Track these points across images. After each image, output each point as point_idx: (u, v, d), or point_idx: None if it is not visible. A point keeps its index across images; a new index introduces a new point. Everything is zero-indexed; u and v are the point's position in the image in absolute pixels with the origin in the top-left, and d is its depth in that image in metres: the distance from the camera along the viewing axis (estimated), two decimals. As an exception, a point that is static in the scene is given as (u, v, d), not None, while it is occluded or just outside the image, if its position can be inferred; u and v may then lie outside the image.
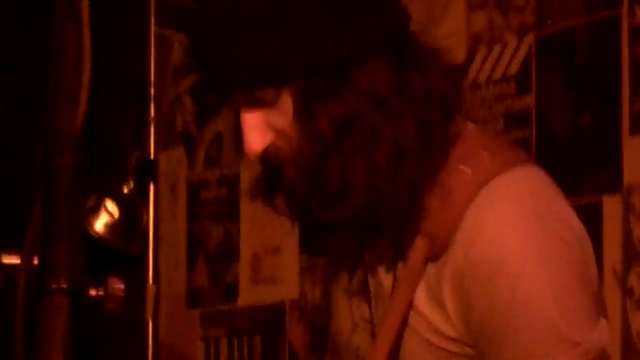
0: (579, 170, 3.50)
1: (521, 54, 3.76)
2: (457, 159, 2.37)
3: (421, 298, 2.36)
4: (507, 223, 2.34)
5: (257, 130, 2.34)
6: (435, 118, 2.38)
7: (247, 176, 4.46)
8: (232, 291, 4.61)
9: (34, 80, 1.89)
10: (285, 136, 2.32)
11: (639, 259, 3.45)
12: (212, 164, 4.70)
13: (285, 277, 4.43)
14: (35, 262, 1.70)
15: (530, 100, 3.75)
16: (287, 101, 2.31)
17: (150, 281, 4.66)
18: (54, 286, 1.64)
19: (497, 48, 3.84)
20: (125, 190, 2.61)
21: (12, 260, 1.79)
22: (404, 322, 2.37)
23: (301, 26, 2.35)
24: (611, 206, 3.52)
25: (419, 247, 2.36)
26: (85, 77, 1.69)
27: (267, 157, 2.32)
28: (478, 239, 2.31)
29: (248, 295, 4.55)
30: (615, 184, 3.52)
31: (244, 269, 4.58)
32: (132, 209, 2.62)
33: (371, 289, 2.48)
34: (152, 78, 4.73)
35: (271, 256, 4.47)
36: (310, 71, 2.32)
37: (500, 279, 2.30)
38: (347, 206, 2.29)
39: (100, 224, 2.53)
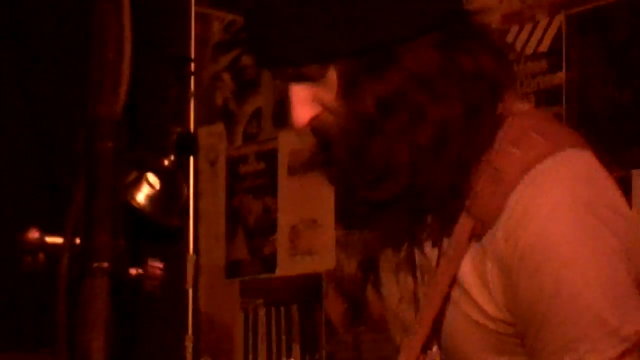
0: (611, 145, 3.47)
1: (552, 32, 3.77)
2: (506, 140, 2.35)
3: (465, 274, 2.36)
4: (556, 210, 2.31)
5: (304, 103, 2.35)
6: (484, 100, 2.36)
7: (285, 151, 4.48)
8: (270, 263, 4.61)
9: (76, 65, 1.89)
10: (331, 111, 2.33)
11: None
12: (250, 139, 4.70)
13: (322, 249, 4.42)
14: (78, 242, 1.72)
15: (561, 77, 3.73)
16: (332, 77, 2.32)
17: (191, 251, 4.69)
18: (95, 267, 1.66)
19: (528, 27, 3.82)
20: (166, 164, 2.63)
21: (55, 240, 1.76)
22: (447, 296, 2.37)
23: (348, 4, 2.32)
24: None
25: (465, 225, 2.36)
26: (126, 64, 1.71)
27: (314, 130, 2.36)
28: (526, 226, 2.29)
29: (286, 267, 4.55)
30: None
31: (282, 242, 4.57)
32: (172, 183, 2.64)
33: (417, 263, 2.49)
34: (193, 55, 4.78)
35: (308, 229, 4.47)
36: (355, 49, 2.30)
37: (549, 269, 2.29)
38: (390, 187, 2.30)
39: (141, 195, 2.55)
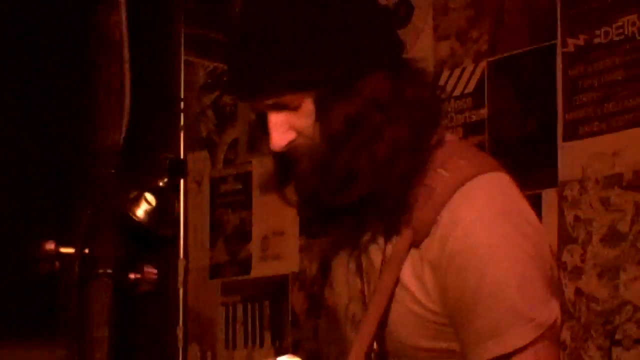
0: (523, 169, 3.47)
1: (476, 75, 3.77)
2: (438, 162, 2.35)
3: (406, 275, 2.36)
4: (478, 221, 2.32)
5: (282, 130, 2.33)
6: (425, 125, 2.38)
7: (257, 173, 4.55)
8: (245, 266, 4.63)
9: (79, 100, 1.91)
10: (304, 135, 2.32)
11: (570, 240, 3.45)
12: (229, 163, 4.74)
13: (288, 255, 4.45)
14: (86, 252, 1.74)
15: (484, 112, 3.75)
16: (308, 105, 2.31)
17: (181, 256, 4.71)
18: (100, 272, 1.69)
19: (457, 71, 3.83)
20: (161, 184, 2.64)
21: (68, 250, 1.77)
22: (392, 294, 2.37)
23: (321, 45, 2.33)
24: (549, 198, 3.52)
25: (405, 235, 2.35)
26: (126, 104, 1.73)
27: (288, 151, 2.34)
28: (454, 233, 2.30)
29: (258, 269, 4.58)
30: (552, 180, 3.52)
31: (255, 248, 4.60)
32: (166, 200, 2.65)
33: (364, 266, 2.47)
34: (182, 95, 4.79)
35: (277, 238, 4.49)
36: (328, 81, 2.31)
37: (471, 268, 2.29)
38: (353, 193, 2.30)
39: (140, 211, 2.55)
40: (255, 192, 4.59)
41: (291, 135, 2.34)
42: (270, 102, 2.32)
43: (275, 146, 2.33)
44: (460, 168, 2.34)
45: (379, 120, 2.32)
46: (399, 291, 2.36)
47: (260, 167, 4.52)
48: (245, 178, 4.64)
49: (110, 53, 1.79)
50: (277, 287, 4.48)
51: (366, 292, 2.47)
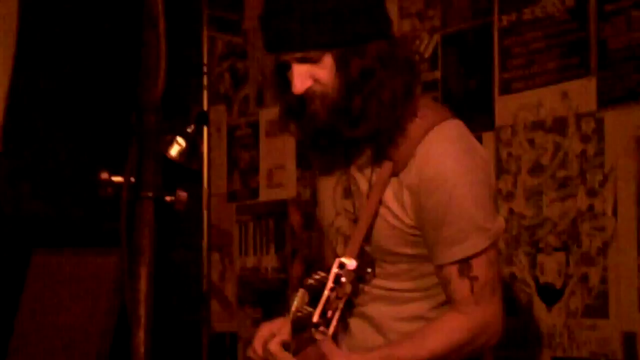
0: (468, 117, 3.42)
1: (431, 45, 3.75)
2: (412, 112, 2.40)
3: (388, 198, 2.40)
4: (445, 155, 2.38)
5: (304, 77, 2.35)
6: (412, 79, 2.45)
7: (263, 121, 4.56)
8: (255, 192, 4.63)
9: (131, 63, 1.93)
10: (321, 83, 2.35)
11: (504, 171, 3.48)
12: (242, 114, 4.72)
13: (287, 183, 4.45)
14: (133, 180, 1.74)
15: (437, 74, 3.73)
16: (328, 60, 2.34)
17: (205, 185, 4.76)
18: (144, 195, 1.70)
19: (417, 42, 3.79)
20: (189, 131, 2.66)
21: (119, 179, 1.76)
22: (376, 212, 2.40)
23: (342, 15, 2.35)
24: (487, 139, 3.51)
25: (386, 167, 2.40)
26: (163, 68, 1.75)
27: (306, 94, 2.36)
28: (428, 164, 2.36)
29: (265, 195, 4.58)
30: (490, 125, 3.53)
31: (262, 179, 4.60)
32: (193, 142, 2.67)
33: (352, 191, 2.50)
34: (205, 62, 4.83)
35: (278, 171, 4.50)
36: (347, 42, 2.34)
37: (441, 190, 2.35)
38: (366, 127, 2.35)
39: (174, 151, 2.58)
40: (262, 136, 4.59)
41: (309, 82, 2.35)
42: (298, 55, 2.35)
43: (297, 90, 2.36)
44: (429, 116, 2.41)
45: (383, 74, 2.36)
46: (382, 209, 2.41)
47: (265, 117, 4.53)
48: (254, 125, 4.63)
49: (151, 27, 1.78)
50: (279, 208, 4.49)
51: (354, 211, 2.50)
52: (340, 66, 2.35)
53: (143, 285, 1.69)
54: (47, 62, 4.81)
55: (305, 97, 2.37)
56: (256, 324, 4.15)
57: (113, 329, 3.93)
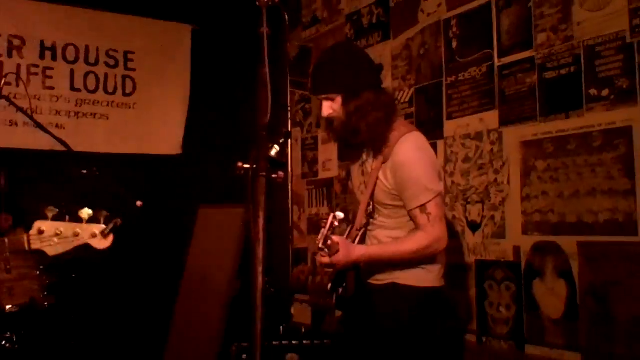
0: (430, 132, 3.39)
1: (409, 94, 3.70)
2: (392, 128, 2.37)
3: (381, 174, 2.37)
4: (407, 150, 2.33)
5: (327, 108, 2.34)
6: (389, 112, 2.38)
7: (320, 136, 4.47)
8: (316, 173, 4.51)
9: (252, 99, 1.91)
10: (336, 112, 2.32)
11: (449, 161, 3.39)
12: (308, 132, 4.62)
13: (333, 168, 4.38)
14: (254, 166, 1.72)
15: (413, 109, 3.65)
16: (339, 100, 2.31)
17: (290, 170, 4.61)
18: (260, 174, 1.72)
19: (402, 93, 3.74)
20: (281, 141, 2.65)
21: (246, 165, 1.73)
22: (375, 182, 2.38)
23: (348, 75, 2.33)
24: (440, 144, 3.44)
25: (379, 159, 2.37)
26: (269, 107, 1.77)
27: (328, 118, 2.35)
28: (398, 156, 2.32)
29: (321, 174, 4.47)
30: (441, 136, 3.45)
31: (319, 166, 4.48)
32: (283, 148, 2.67)
33: (364, 171, 2.47)
34: (289, 104, 4.71)
35: (329, 161, 4.42)
36: (349, 91, 2.30)
37: (405, 169, 2.31)
38: (360, 137, 2.33)
39: (273, 152, 2.54)
40: (319, 144, 4.51)
41: (330, 111, 2.35)
42: (323, 96, 2.36)
43: (323, 115, 2.36)
44: (402, 129, 2.38)
45: (370, 108, 2.31)
46: (378, 181, 2.39)
47: (320, 133, 4.46)
48: (315, 138, 4.55)
49: (263, 86, 1.79)
50: (328, 182, 4.41)
51: (365, 182, 2.48)
52: (345, 103, 2.33)
53: (261, 226, 1.63)
54: (208, 96, 4.76)
55: (329, 119, 2.38)
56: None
57: (240, 257, 3.59)
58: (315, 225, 4.50)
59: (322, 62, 2.39)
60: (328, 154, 4.41)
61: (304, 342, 3.27)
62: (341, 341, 2.48)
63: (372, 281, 2.44)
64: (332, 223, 2.26)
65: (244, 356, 3.23)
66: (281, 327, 3.67)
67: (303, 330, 3.65)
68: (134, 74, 4.62)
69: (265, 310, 1.55)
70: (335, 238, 2.25)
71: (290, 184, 4.65)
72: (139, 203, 3.33)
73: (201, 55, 4.77)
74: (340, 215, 2.27)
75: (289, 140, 4.58)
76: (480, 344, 3.19)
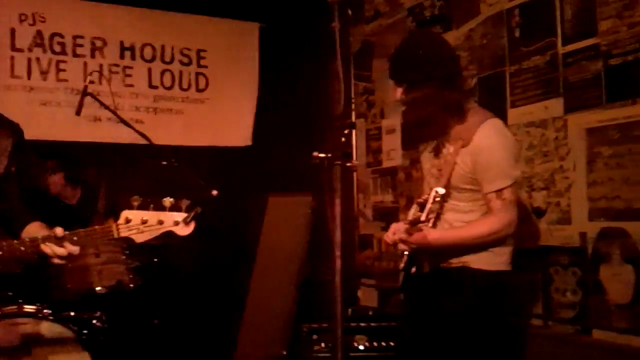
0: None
1: (473, 82, 3.60)
2: (467, 113, 2.37)
3: (459, 159, 2.36)
4: (489, 136, 2.32)
5: (398, 93, 2.36)
6: (454, 105, 2.38)
7: (384, 126, 4.42)
8: (380, 162, 4.45)
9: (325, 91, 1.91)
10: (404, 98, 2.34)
11: None
12: (372, 122, 4.56)
13: (396, 157, 4.32)
14: (329, 155, 1.73)
15: (476, 98, 3.59)
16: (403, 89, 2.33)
17: (354, 159, 4.43)
18: (336, 163, 1.71)
19: (469, 80, 3.69)
20: (346, 132, 2.65)
21: (321, 155, 1.74)
22: (453, 165, 2.36)
23: (411, 66, 2.33)
24: None
25: (458, 143, 2.35)
26: (342, 99, 1.78)
27: (400, 101, 2.37)
28: (480, 141, 2.32)
29: (385, 163, 4.41)
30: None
31: (383, 155, 4.42)
32: (349, 137, 2.65)
33: (441, 154, 2.46)
34: (353, 96, 4.67)
35: (392, 150, 4.37)
36: (410, 82, 2.33)
37: (486, 153, 2.31)
38: (415, 128, 2.42)
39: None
40: (383, 134, 4.45)
41: (398, 96, 2.38)
42: (396, 83, 2.38)
43: (394, 98, 2.39)
44: (480, 115, 2.38)
45: (426, 102, 2.34)
46: (455, 165, 2.37)
47: (384, 124, 4.41)
48: (379, 128, 4.50)
49: (336, 78, 1.78)
50: (392, 170, 4.35)
51: (439, 166, 2.46)
52: (406, 94, 2.35)
53: (338, 212, 1.62)
54: (276, 90, 4.79)
55: (401, 103, 2.39)
56: (383, 229, 4.19)
57: (308, 242, 3.64)
58: (380, 212, 4.49)
59: (398, 49, 2.41)
60: (392, 143, 4.35)
61: (372, 324, 3.29)
62: (405, 323, 2.48)
63: (442, 264, 2.43)
64: (434, 197, 2.29)
65: (315, 336, 3.27)
66: (349, 310, 3.68)
67: (370, 312, 3.67)
68: (206, 71, 4.78)
69: (340, 292, 1.57)
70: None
71: (354, 173, 4.63)
72: (214, 192, 3.42)
73: (269, 50, 4.86)
74: (441, 190, 2.29)
75: (354, 131, 4.56)
76: (546, 328, 3.14)
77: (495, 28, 3.50)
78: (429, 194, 2.32)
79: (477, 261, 2.37)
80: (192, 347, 4.22)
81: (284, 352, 3.39)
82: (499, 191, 2.32)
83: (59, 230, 1.94)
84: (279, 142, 4.68)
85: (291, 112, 4.74)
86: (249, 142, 4.85)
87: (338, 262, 1.60)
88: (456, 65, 2.44)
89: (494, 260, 2.38)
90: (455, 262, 2.40)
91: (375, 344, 3.20)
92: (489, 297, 2.34)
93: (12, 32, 4.16)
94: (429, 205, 2.28)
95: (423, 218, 2.27)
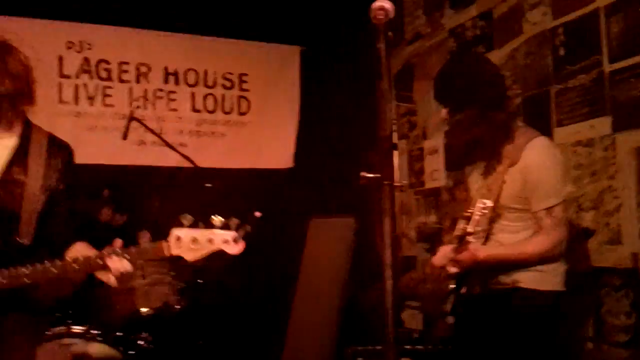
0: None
1: (518, 101, 3.62)
2: (518, 132, 2.37)
3: (507, 177, 2.34)
4: (538, 155, 2.32)
5: (444, 114, 2.36)
6: (500, 127, 2.38)
7: (426, 147, 4.38)
8: (422, 183, 4.40)
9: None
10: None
11: None
12: (414, 144, 4.49)
13: (440, 178, 4.20)
14: (378, 175, 1.74)
15: (521, 118, 3.54)
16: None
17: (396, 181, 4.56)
18: (385, 183, 1.69)
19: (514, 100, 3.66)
20: (389, 153, 2.60)
21: (369, 175, 1.75)
22: (502, 184, 2.34)
23: (456, 88, 2.32)
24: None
25: (506, 161, 2.34)
26: (389, 121, 1.77)
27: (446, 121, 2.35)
28: (529, 159, 2.30)
29: (428, 184, 4.36)
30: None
31: (426, 176, 4.36)
32: (391, 154, 2.62)
33: (491, 172, 2.43)
34: (395, 117, 4.58)
35: (435, 171, 4.28)
36: (453, 105, 2.34)
37: (536, 172, 2.30)
38: (459, 150, 2.35)
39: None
40: (425, 154, 4.39)
41: (445, 117, 2.38)
42: (445, 105, 2.37)
43: (441, 117, 2.38)
44: (527, 134, 2.37)
45: (470, 125, 2.34)
46: (505, 184, 2.35)
47: (426, 145, 4.37)
48: (421, 149, 4.46)
49: (384, 101, 1.78)
50: (436, 191, 4.28)
51: (488, 186, 2.43)
52: (450, 116, 2.34)
53: (387, 232, 1.63)
54: (317, 111, 4.81)
55: (447, 124, 2.38)
56: (428, 251, 4.16)
57: (350, 264, 3.59)
58: (423, 233, 4.44)
59: (443, 70, 2.40)
60: (434, 164, 4.32)
61: (417, 347, 3.23)
62: (454, 346, 2.43)
63: (492, 284, 2.39)
64: (481, 209, 2.26)
65: (359, 359, 3.23)
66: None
67: (414, 335, 3.60)
68: (248, 94, 4.86)
69: (379, 314, 1.56)
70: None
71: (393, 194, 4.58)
72: (257, 214, 3.42)
73: (311, 72, 4.90)
74: (488, 202, 2.26)
75: (395, 151, 4.51)
76: (599, 352, 3.04)
77: (539, 47, 3.47)
78: (474, 208, 2.28)
79: (530, 281, 2.33)
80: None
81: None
82: (549, 209, 2.29)
83: (118, 243, 1.96)
84: (320, 164, 4.72)
85: (332, 134, 4.77)
86: (290, 164, 4.88)
87: (389, 284, 1.59)
88: (502, 85, 2.42)
89: (548, 280, 2.34)
90: (507, 281, 2.36)
91: (419, 367, 3.15)
92: (542, 320, 2.29)
93: (60, 59, 4.29)
94: (476, 217, 2.27)
95: (471, 230, 2.24)
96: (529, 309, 2.29)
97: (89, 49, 4.34)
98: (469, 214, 2.30)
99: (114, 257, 1.94)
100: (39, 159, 2.05)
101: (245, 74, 4.79)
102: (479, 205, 2.27)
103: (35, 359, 2.07)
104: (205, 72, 4.68)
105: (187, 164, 3.72)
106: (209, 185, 3.52)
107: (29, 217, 2.00)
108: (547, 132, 3.33)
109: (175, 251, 1.91)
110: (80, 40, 4.32)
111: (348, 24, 4.28)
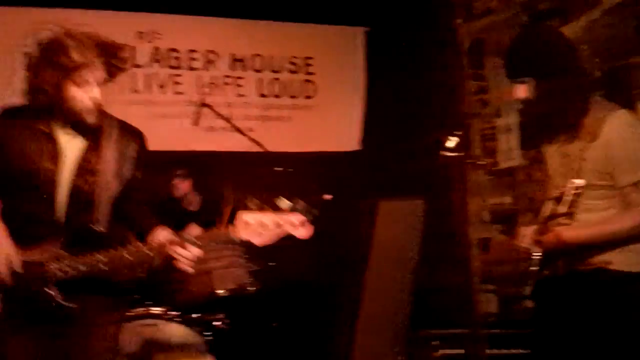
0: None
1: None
2: (594, 107, 2.24)
3: (589, 153, 2.22)
4: (620, 128, 2.20)
5: (521, 91, 2.23)
6: (583, 95, 2.25)
7: (499, 125, 4.19)
8: (496, 163, 4.22)
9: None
10: (528, 95, 2.22)
11: None
12: (487, 122, 4.27)
13: (514, 157, 4.08)
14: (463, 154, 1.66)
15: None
16: (531, 84, 2.20)
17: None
18: (468, 161, 1.63)
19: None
20: (460, 133, 2.52)
21: (451, 153, 1.68)
22: (582, 161, 2.23)
23: (539, 58, 2.20)
24: None
25: (586, 136, 2.22)
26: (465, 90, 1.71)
27: (523, 101, 2.24)
28: (610, 132, 2.18)
29: (503, 164, 4.17)
30: None
31: (499, 153, 4.17)
32: (464, 139, 2.52)
33: (571, 150, 2.28)
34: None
35: (509, 151, 4.12)
36: (540, 75, 2.19)
37: (620, 145, 2.18)
38: (546, 122, 2.27)
39: (453, 143, 2.39)
40: (498, 133, 4.16)
41: (523, 94, 2.23)
42: (518, 79, 2.24)
43: (518, 96, 2.24)
44: (606, 107, 2.26)
45: (559, 93, 2.21)
46: (585, 161, 2.23)
47: (500, 123, 4.15)
48: (493, 127, 4.22)
49: (461, 83, 1.72)
50: (511, 171, 4.10)
51: (568, 164, 2.30)
52: (536, 88, 2.21)
53: (472, 209, 1.60)
54: (383, 93, 4.73)
55: (523, 102, 2.26)
56: (502, 232, 4.01)
57: (421, 246, 3.54)
58: (497, 214, 4.26)
59: (516, 45, 2.29)
60: (508, 143, 4.16)
61: (492, 330, 3.13)
62: (535, 330, 2.32)
63: (577, 265, 2.27)
64: (574, 189, 2.15)
65: (435, 342, 3.16)
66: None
67: (489, 319, 3.52)
68: (314, 78, 4.88)
69: (452, 297, 1.50)
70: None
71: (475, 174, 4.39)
72: (327, 196, 3.39)
73: (376, 53, 4.85)
74: (580, 182, 2.15)
75: (467, 131, 4.31)
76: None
77: (619, 17, 3.30)
78: (564, 188, 2.16)
79: (621, 262, 2.19)
80: (309, 351, 4.19)
81: (402, 358, 3.29)
82: (636, 183, 2.15)
83: (192, 229, 1.98)
84: (387, 146, 4.66)
85: (399, 114, 4.68)
86: (357, 147, 4.87)
87: (473, 263, 1.55)
88: (576, 58, 2.29)
89: (638, 260, 2.20)
90: (595, 261, 2.22)
91: (496, 351, 3.04)
92: (631, 303, 2.15)
93: (132, 49, 4.33)
94: (568, 198, 2.14)
95: (564, 210, 2.13)
96: (620, 291, 2.16)
97: (159, 38, 4.45)
98: (558, 194, 2.17)
99: (186, 245, 1.95)
100: (112, 146, 2.07)
101: (310, 58, 4.83)
102: (571, 185, 2.14)
103: (119, 340, 2.12)
104: (271, 57, 4.73)
105: (256, 149, 3.75)
106: (280, 169, 3.51)
107: (104, 204, 2.02)
108: (629, 106, 3.16)
109: (244, 235, 1.92)
110: (151, 30, 4.37)
111: (412, 2, 4.18)
